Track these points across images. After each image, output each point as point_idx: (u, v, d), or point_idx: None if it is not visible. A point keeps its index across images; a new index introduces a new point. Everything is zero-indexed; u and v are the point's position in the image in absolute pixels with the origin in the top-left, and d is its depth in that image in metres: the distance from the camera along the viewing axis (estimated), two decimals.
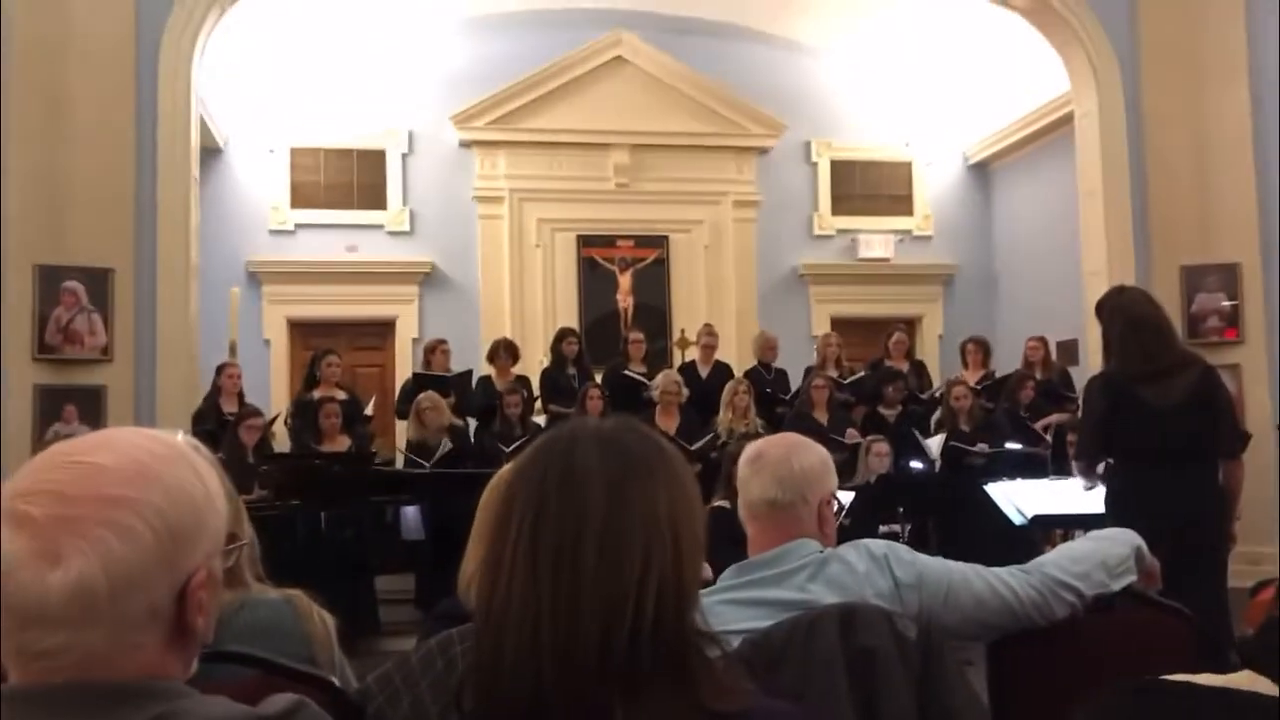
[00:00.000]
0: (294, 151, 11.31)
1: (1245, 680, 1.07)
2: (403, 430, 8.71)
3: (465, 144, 11.50)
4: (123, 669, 0.98)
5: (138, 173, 7.63)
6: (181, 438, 1.13)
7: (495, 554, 1.12)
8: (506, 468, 1.20)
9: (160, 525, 0.99)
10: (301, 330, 11.35)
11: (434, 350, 8.79)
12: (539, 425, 7.96)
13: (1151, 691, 1.02)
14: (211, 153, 10.56)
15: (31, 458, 1.03)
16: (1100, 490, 4.26)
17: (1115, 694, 1.03)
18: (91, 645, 0.96)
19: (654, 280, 11.76)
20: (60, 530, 0.96)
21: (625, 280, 11.69)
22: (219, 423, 7.55)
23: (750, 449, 2.12)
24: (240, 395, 8.00)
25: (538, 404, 8.59)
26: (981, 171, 12.69)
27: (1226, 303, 8.59)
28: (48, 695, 0.94)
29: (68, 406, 7.20)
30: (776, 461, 2.04)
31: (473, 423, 8.55)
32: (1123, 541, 2.12)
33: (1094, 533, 2.18)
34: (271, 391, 10.59)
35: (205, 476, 1.07)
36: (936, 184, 12.57)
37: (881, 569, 1.96)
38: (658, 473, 1.15)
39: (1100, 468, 4.35)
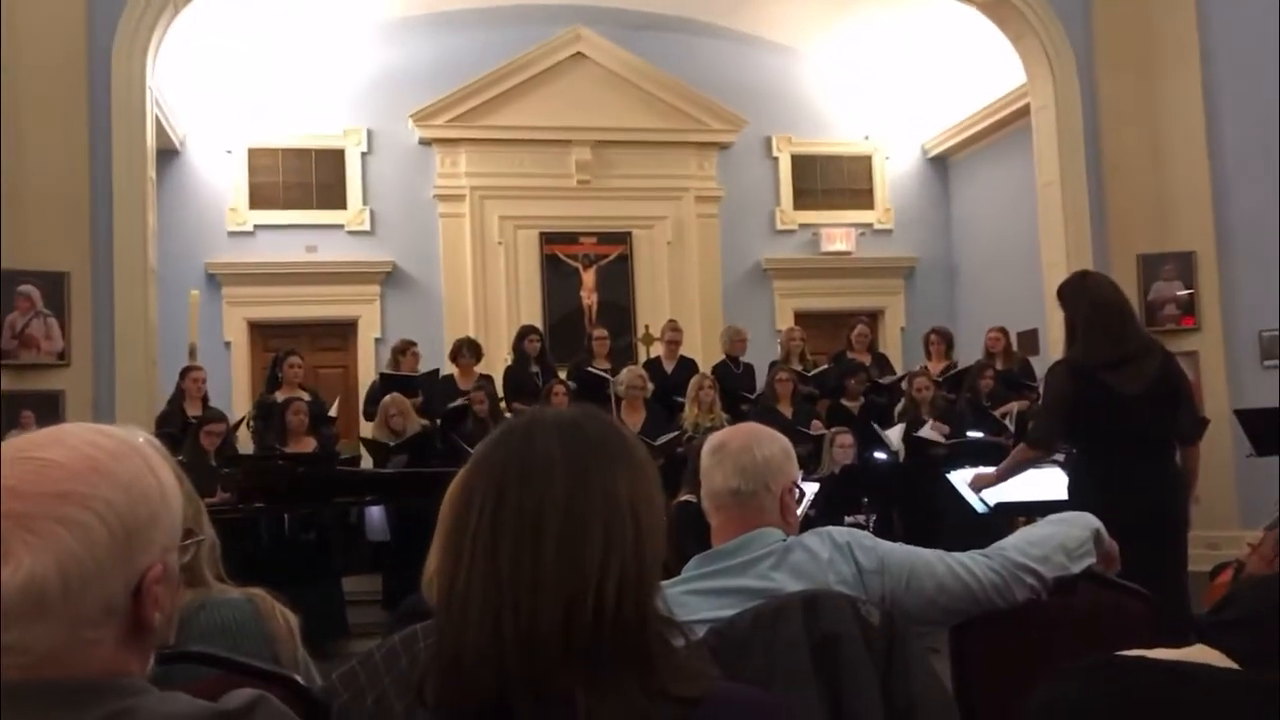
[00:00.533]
0: (252, 152, 11.20)
1: (1197, 654, 1.09)
2: (368, 431, 8.67)
3: (425, 142, 11.45)
4: (79, 667, 0.97)
5: (92, 175, 7.55)
6: (135, 433, 1.12)
7: (455, 545, 1.12)
8: (469, 461, 1.19)
9: (114, 520, 0.98)
10: (262, 332, 11.25)
11: (404, 352, 8.75)
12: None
13: (1105, 667, 1.03)
14: (168, 153, 10.44)
15: None
16: (1058, 476, 4.28)
17: (1071, 671, 1.04)
18: (45, 643, 0.95)
19: (617, 277, 11.76)
20: (10, 526, 0.94)
21: (589, 277, 11.68)
22: (183, 426, 7.47)
23: (712, 439, 2.13)
24: (204, 399, 7.93)
25: (504, 403, 8.57)
26: (940, 164, 12.78)
27: (1183, 291, 8.71)
28: (3, 694, 0.93)
29: (25, 412, 7.10)
30: (739, 451, 2.05)
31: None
32: (1081, 524, 2.14)
33: (1053, 516, 2.20)
34: (233, 394, 10.50)
35: (159, 471, 1.06)
36: (896, 177, 12.65)
37: (844, 555, 1.97)
38: (618, 459, 1.15)
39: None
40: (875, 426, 7.55)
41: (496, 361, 9.85)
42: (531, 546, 1.08)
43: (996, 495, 4.87)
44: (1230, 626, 1.24)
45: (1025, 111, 9.85)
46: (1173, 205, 8.77)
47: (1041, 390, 8.16)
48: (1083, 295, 4.22)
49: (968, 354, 9.63)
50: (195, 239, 10.89)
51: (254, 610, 1.81)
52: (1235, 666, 1.05)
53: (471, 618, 1.08)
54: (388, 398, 7.83)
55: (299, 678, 1.65)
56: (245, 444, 8.21)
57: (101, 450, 1.02)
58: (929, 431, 7.64)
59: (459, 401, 8.10)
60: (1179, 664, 1.04)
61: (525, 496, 1.10)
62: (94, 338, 7.47)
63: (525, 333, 8.98)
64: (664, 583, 1.19)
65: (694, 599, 1.90)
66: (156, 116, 8.65)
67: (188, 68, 10.14)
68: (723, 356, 9.19)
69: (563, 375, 8.61)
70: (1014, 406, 8.21)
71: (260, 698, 1.03)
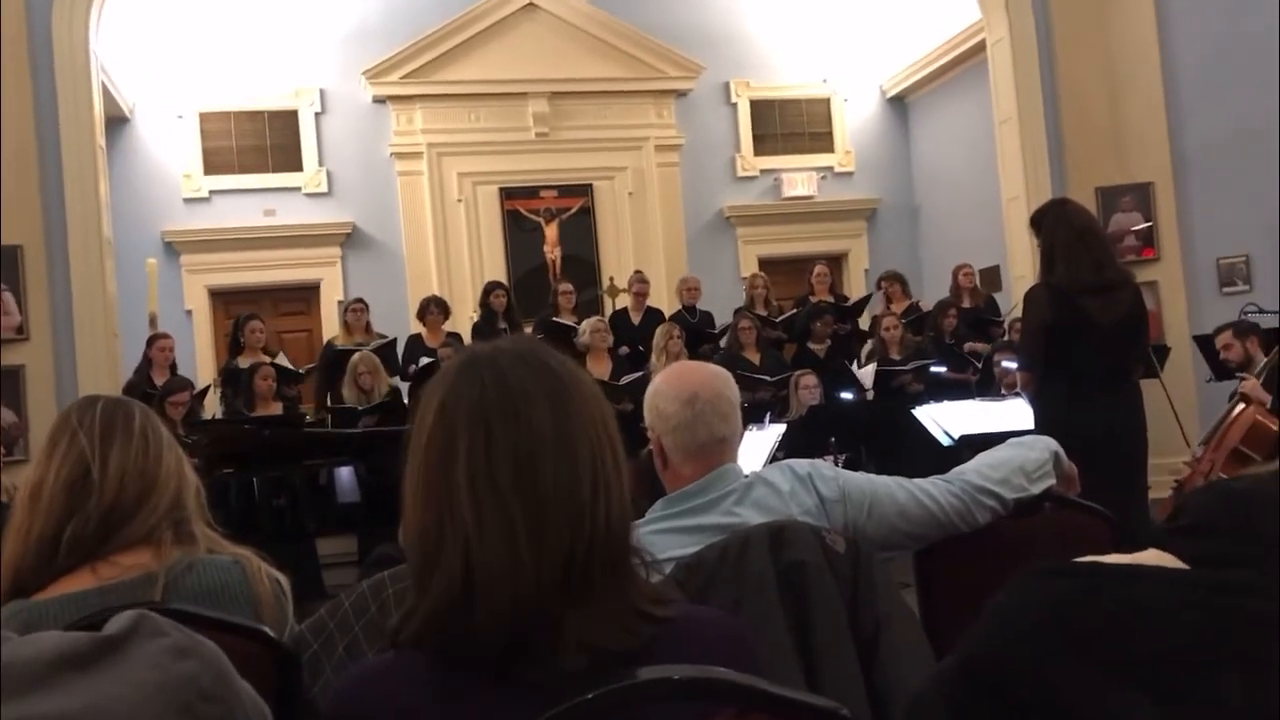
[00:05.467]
0: (203, 116, 11.01)
1: (1151, 558, 1.11)
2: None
3: (379, 99, 11.30)
4: None
5: (40, 145, 7.41)
6: None
7: (443, 485, 1.11)
8: (429, 396, 1.18)
9: None
10: (223, 299, 11.14)
11: (348, 310, 8.66)
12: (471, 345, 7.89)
13: (1061, 572, 1.05)
14: (118, 121, 10.26)
15: None
16: (1023, 406, 4.32)
17: (1027, 576, 1.06)
18: None
19: (580, 230, 11.70)
20: None
21: (551, 231, 11.61)
22: (144, 397, 7.40)
23: (678, 391, 2.03)
24: (173, 367, 7.85)
25: None
26: (899, 104, 12.76)
27: (1142, 224, 8.78)
28: None
29: None
30: (715, 398, 2.03)
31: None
32: (1040, 447, 2.17)
33: (1012, 440, 2.23)
34: (196, 362, 10.40)
35: None
36: (856, 119, 12.62)
37: (806, 487, 1.99)
38: (584, 384, 1.18)
39: None
40: (849, 365, 7.58)
41: (462, 319, 9.81)
42: (531, 471, 1.10)
43: (961, 427, 4.93)
44: (1183, 533, 1.26)
45: (981, 48, 9.83)
46: (1129, 137, 8.83)
47: (1007, 320, 8.27)
48: (1064, 220, 4.25)
49: (933, 293, 9.67)
50: (150, 207, 10.73)
51: (241, 572, 1.81)
52: (1187, 568, 1.08)
53: (488, 542, 1.08)
54: (356, 356, 7.76)
55: (268, 629, 1.65)
56: (212, 413, 8.15)
57: None
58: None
59: (427, 361, 8.05)
60: (1133, 566, 1.06)
61: (515, 427, 1.11)
62: (52, 311, 7.38)
63: (491, 288, 8.94)
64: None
65: (660, 538, 1.91)
66: (104, 84, 8.48)
67: (133, 33, 9.95)
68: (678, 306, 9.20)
69: (528, 330, 8.59)
70: (979, 348, 8.28)
71: (140, 616, 1.00)
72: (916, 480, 2.06)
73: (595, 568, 1.10)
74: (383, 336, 8.54)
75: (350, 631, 1.62)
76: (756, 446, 5.00)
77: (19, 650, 0.93)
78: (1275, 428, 5.15)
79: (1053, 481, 2.15)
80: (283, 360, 8.15)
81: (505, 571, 1.08)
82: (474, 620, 1.08)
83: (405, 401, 7.80)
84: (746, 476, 2.01)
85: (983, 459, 2.14)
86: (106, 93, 8.86)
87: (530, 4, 11.41)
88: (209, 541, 1.91)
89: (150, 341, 7.87)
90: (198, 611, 1.68)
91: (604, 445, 1.14)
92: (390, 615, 1.53)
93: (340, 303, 10.68)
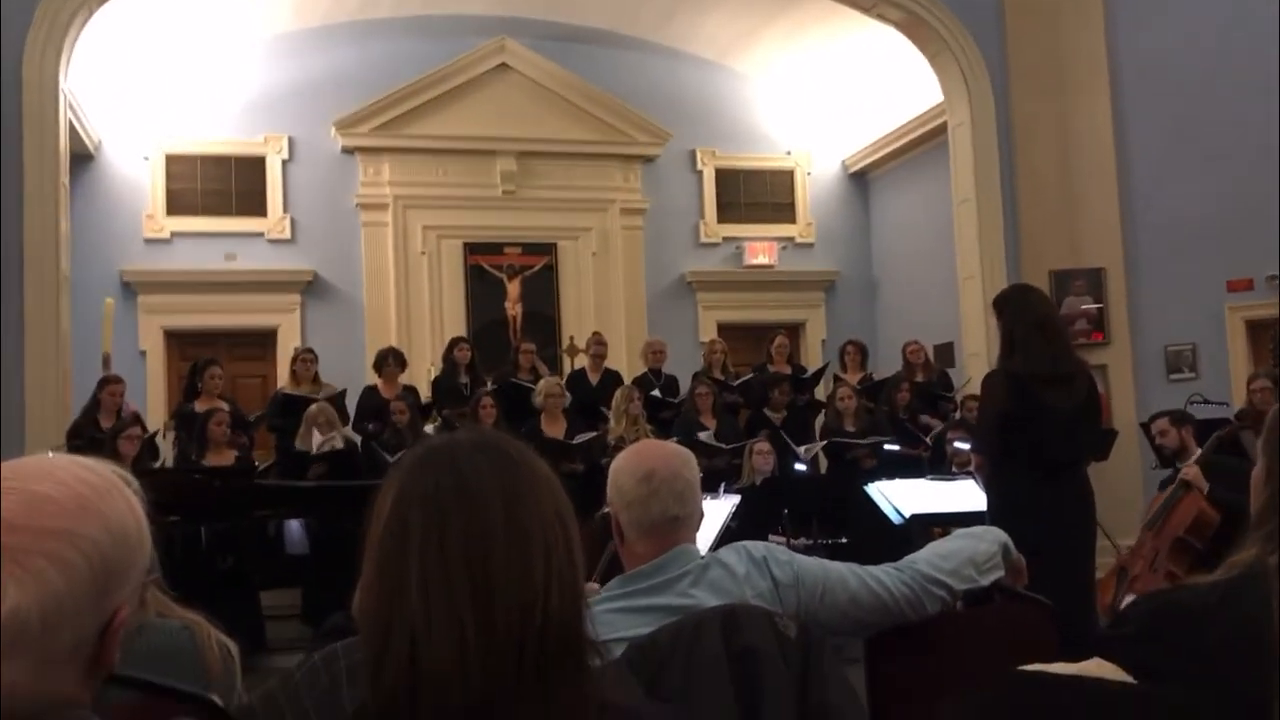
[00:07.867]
0: (170, 158, 10.99)
1: (1094, 668, 1.14)
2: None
3: (348, 150, 11.34)
4: (37, 699, 0.96)
5: (0, 178, 7.35)
6: (110, 469, 1.10)
7: (396, 573, 1.13)
8: (386, 487, 1.20)
9: (97, 560, 0.98)
10: (179, 341, 11.04)
11: (296, 359, 8.58)
12: (430, 435, 7.86)
13: (1010, 682, 1.08)
14: (83, 158, 10.22)
15: None
16: (974, 487, 4.37)
17: (980, 687, 1.09)
18: (12, 676, 0.94)
19: (542, 287, 11.75)
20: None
21: (514, 288, 11.65)
22: (95, 440, 7.27)
23: (635, 468, 2.06)
24: (119, 411, 7.73)
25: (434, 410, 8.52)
26: (861, 180, 12.99)
27: (1093, 305, 8.97)
28: None
29: None
30: (671, 477, 2.04)
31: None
32: (990, 539, 2.21)
33: (961, 530, 2.27)
34: (148, 404, 10.27)
35: (137, 510, 1.06)
36: (817, 192, 12.83)
37: (761, 570, 2.01)
38: (540, 475, 1.19)
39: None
40: (786, 438, 7.60)
41: (419, 372, 9.77)
42: (483, 564, 1.11)
43: (912, 505, 4.98)
44: (1126, 641, 1.29)
45: (943, 129, 10.05)
46: (1083, 223, 9.04)
47: (959, 396, 8.38)
48: (1025, 309, 4.33)
49: (886, 366, 9.78)
50: (110, 246, 10.66)
51: (190, 639, 1.80)
52: (1129, 679, 1.11)
53: (436, 636, 1.09)
54: (314, 407, 7.68)
55: (216, 698, 1.64)
56: (163, 454, 8.03)
57: (91, 488, 1.02)
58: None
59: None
60: (1076, 678, 1.09)
61: (469, 518, 1.13)
62: (3, 347, 7.27)
63: (455, 342, 8.92)
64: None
65: (615, 617, 1.91)
66: (71, 120, 8.45)
67: (104, 70, 9.93)
68: (644, 369, 9.24)
69: (489, 384, 8.56)
70: (930, 422, 8.36)
71: None
72: (869, 567, 2.08)
73: (546, 661, 1.10)
74: (330, 387, 8.46)
75: (300, 706, 1.61)
76: (710, 516, 5.00)
77: None
78: (1217, 516, 5.25)
79: (1001, 573, 2.18)
80: (236, 409, 8.06)
81: (453, 666, 1.08)
82: (427, 708, 1.08)
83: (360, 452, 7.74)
84: (703, 558, 2.03)
85: (934, 549, 2.17)
86: (73, 129, 8.83)
87: (503, 64, 11.55)
88: (158, 605, 1.90)
89: (101, 384, 7.74)
90: (144, 677, 1.66)
91: (557, 536, 1.15)
92: (342, 689, 1.53)
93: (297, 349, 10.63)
